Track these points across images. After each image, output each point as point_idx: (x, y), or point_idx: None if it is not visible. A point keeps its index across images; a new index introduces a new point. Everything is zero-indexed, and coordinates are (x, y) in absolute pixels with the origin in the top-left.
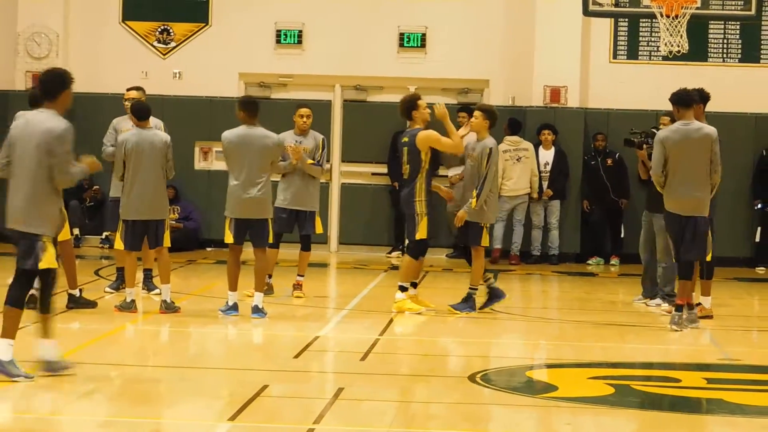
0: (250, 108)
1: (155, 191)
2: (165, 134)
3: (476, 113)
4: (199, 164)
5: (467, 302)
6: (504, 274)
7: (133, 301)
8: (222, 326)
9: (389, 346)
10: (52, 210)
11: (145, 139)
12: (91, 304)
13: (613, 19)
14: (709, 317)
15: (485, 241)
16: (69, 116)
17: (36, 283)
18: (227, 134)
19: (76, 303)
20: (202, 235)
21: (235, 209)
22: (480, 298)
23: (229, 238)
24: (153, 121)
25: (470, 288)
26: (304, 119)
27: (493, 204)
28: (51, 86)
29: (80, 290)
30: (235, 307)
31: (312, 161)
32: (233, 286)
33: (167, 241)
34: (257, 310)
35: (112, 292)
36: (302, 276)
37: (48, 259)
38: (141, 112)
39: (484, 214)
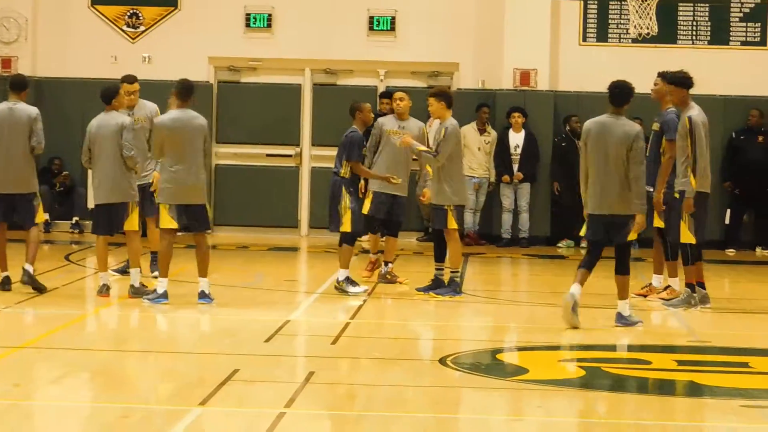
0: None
1: (113, 175)
2: (123, 117)
3: (430, 100)
4: None
5: (450, 286)
6: (474, 257)
7: (105, 285)
8: (193, 311)
9: (360, 329)
10: None
11: (102, 124)
12: (41, 289)
13: (582, 2)
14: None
15: (452, 224)
16: (37, 101)
17: None
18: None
19: (30, 279)
20: None
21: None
22: (428, 281)
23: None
24: (149, 105)
25: (451, 272)
26: (397, 102)
27: (456, 186)
28: None
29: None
30: (164, 295)
31: (425, 149)
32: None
33: (134, 225)
34: (204, 296)
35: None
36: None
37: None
38: (103, 95)
39: (445, 195)
